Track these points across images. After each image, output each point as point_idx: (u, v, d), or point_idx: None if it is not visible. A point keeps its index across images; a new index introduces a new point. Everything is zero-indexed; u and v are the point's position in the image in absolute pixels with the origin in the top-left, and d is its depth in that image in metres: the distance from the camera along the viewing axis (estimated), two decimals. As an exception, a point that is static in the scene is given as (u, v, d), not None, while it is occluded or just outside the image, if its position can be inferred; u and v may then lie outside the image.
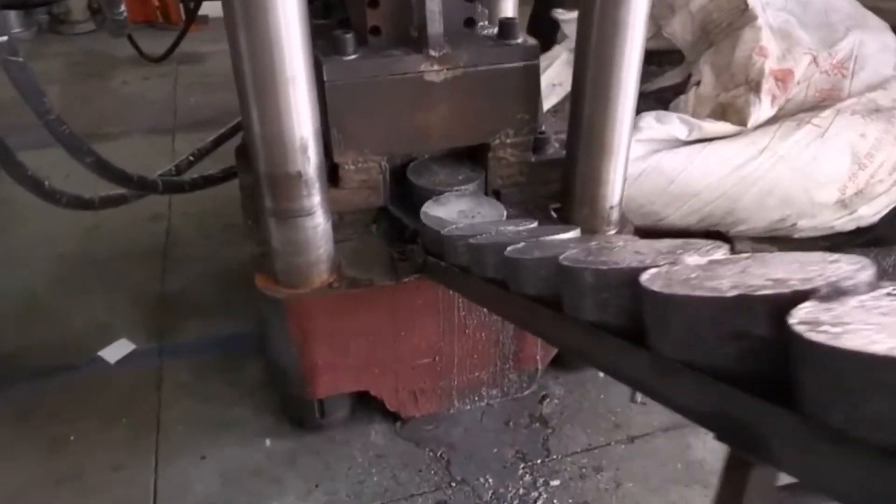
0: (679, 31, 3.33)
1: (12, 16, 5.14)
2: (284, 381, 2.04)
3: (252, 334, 2.46)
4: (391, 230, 2.05)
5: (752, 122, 2.84)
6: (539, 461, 2.00)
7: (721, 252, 0.95)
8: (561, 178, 2.13)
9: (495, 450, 2.04)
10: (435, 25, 1.83)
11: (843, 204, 2.91)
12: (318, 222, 1.79)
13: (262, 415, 2.17)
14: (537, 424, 2.12)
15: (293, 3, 1.48)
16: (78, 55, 5.19)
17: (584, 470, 1.97)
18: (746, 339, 0.68)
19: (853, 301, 0.61)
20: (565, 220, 2.13)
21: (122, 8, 3.83)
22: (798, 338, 0.55)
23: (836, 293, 0.62)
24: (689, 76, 3.38)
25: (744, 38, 2.97)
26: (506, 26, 1.95)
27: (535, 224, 1.62)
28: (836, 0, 3.27)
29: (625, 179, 2.06)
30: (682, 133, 2.82)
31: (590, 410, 2.16)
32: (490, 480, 1.95)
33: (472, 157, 2.15)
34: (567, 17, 3.49)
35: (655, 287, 0.78)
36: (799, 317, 0.59)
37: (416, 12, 1.85)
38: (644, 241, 1.11)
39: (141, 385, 2.29)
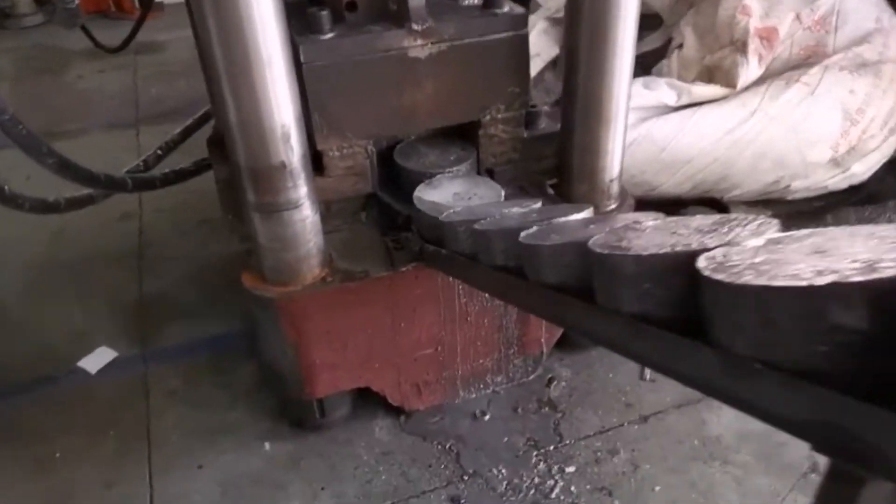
0: (657, -7, 3.25)
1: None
2: (281, 382, 1.94)
3: (240, 333, 2.35)
4: (382, 217, 1.94)
5: (741, 84, 2.76)
6: (552, 447, 1.93)
7: (773, 228, 0.86)
8: (556, 153, 2.04)
9: (506, 438, 1.96)
10: (416, -4, 1.72)
11: (835, 162, 2.86)
12: (305, 215, 1.68)
13: (259, 417, 2.06)
14: (546, 409, 2.05)
15: (266, -22, 1.36)
16: (28, 50, 4.95)
17: (598, 454, 1.91)
18: (842, 332, 0.59)
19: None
20: (564, 197, 2.04)
21: (74, -4, 3.63)
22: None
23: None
24: (670, 40, 3.30)
25: (727, -3, 2.88)
26: (491, -6, 1.84)
27: (539, 204, 1.53)
28: (816, -47, 3.19)
29: (624, 150, 1.97)
30: (671, 99, 2.74)
31: (599, 391, 2.09)
32: (503, 471, 1.87)
33: (462, 136, 2.04)
34: (542, -16, 3.38)
35: (721, 276, 0.69)
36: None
37: (395, -17, 1.73)
38: (675, 219, 1.02)
39: (127, 394, 2.18)
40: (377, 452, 1.94)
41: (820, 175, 2.88)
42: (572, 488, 1.82)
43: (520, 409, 2.05)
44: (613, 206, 2.05)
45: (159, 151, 2.76)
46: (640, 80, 2.76)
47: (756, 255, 0.76)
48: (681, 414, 2.00)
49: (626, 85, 1.83)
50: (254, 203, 1.65)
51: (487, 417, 2.04)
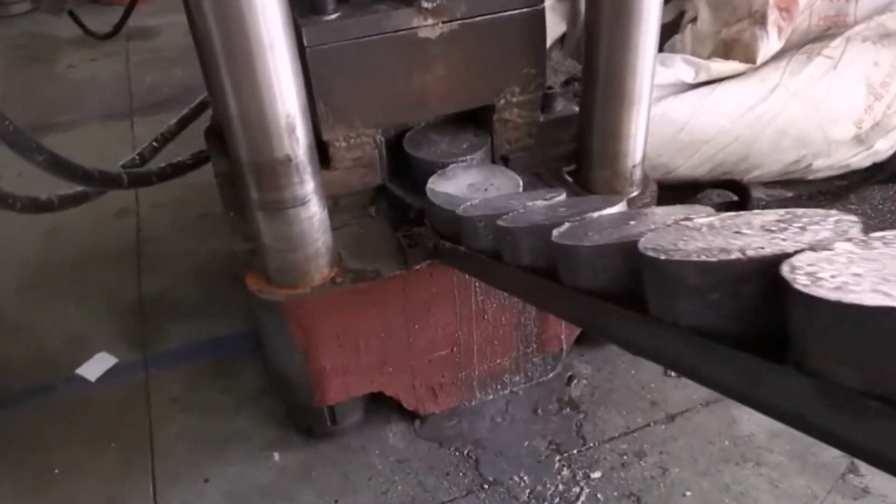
0: (669, -36, 3.10)
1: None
2: (289, 389, 1.84)
3: (244, 334, 2.25)
4: (393, 211, 1.83)
5: (760, 58, 2.64)
6: (575, 451, 1.83)
7: (855, 227, 0.76)
8: (576, 137, 1.92)
9: (526, 443, 1.86)
10: (426, -28, 1.59)
11: (859, 139, 2.74)
12: (313, 212, 1.57)
13: (267, 425, 1.96)
14: (568, 409, 1.95)
15: (265, -45, 1.23)
16: (16, 38, 4.79)
17: (625, 457, 1.81)
18: None
19: None
20: (583, 184, 1.93)
21: (61, -18, 3.49)
22: None
23: None
24: (682, 13, 3.16)
25: (744, -33, 2.75)
26: (504, -32, 1.71)
27: (563, 195, 1.42)
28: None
29: (647, 133, 1.85)
30: (688, 76, 2.62)
31: (622, 389, 1.99)
32: (525, 478, 1.78)
33: (475, 122, 1.92)
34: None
35: (821, 292, 0.58)
36: None
37: (402, -42, 1.61)
38: (733, 216, 0.91)
39: (128, 403, 2.08)
40: (392, 461, 1.84)
41: (843, 153, 2.76)
42: (598, 496, 1.72)
43: (540, 411, 1.95)
44: (636, 193, 1.93)
45: (155, 144, 2.63)
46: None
47: (851, 262, 0.65)
48: (709, 412, 1.90)
49: (651, 61, 1.71)
50: (257, 200, 1.53)
51: (507, 420, 1.94)
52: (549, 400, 1.98)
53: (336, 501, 1.76)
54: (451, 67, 1.73)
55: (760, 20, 2.69)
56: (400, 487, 1.78)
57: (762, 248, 0.73)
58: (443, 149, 1.85)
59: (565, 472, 1.78)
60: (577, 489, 1.74)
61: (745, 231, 0.82)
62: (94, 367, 2.17)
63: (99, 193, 2.50)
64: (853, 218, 0.78)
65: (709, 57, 2.73)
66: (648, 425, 1.89)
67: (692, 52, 2.82)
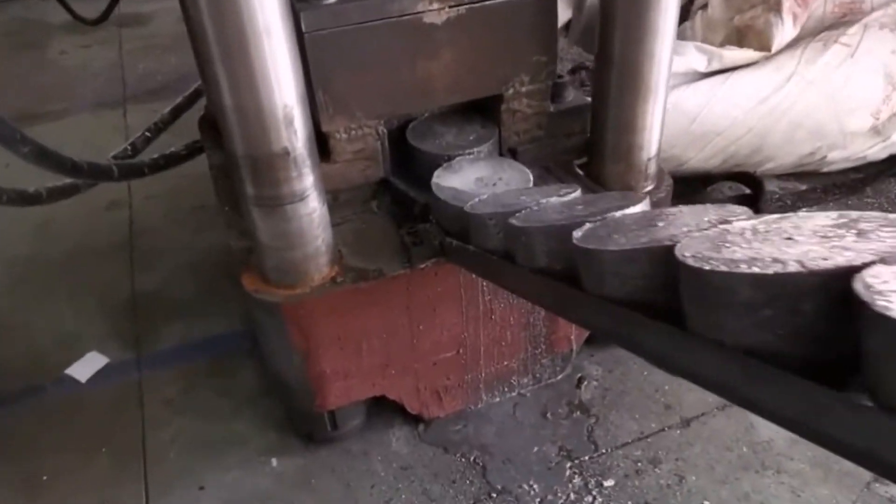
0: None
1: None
2: (288, 393, 1.76)
3: (241, 332, 2.16)
4: (396, 206, 1.74)
5: (775, 46, 2.54)
6: (587, 458, 1.76)
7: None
8: (589, 129, 1.83)
9: (535, 448, 1.79)
10: (432, -47, 1.50)
11: (875, 130, 2.66)
12: (312, 207, 1.48)
13: (265, 429, 1.88)
14: (578, 413, 1.87)
15: (261, -67, 1.14)
16: (6, 24, 4.68)
17: (639, 464, 1.73)
18: None
19: None
20: (595, 178, 1.84)
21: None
22: None
23: None
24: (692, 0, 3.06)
25: (758, -48, 2.65)
26: (514, -50, 1.62)
27: (578, 192, 1.33)
28: None
29: (663, 124, 1.76)
30: (700, 64, 2.52)
31: (635, 391, 1.91)
32: (535, 487, 1.70)
33: (482, 112, 1.83)
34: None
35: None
36: None
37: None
38: (779, 219, 0.82)
39: (120, 405, 1.99)
40: (395, 467, 1.77)
41: (859, 144, 2.68)
42: (613, 504, 1.65)
43: (549, 414, 1.87)
44: (650, 188, 1.85)
45: (148, 134, 2.54)
46: (668, 45, 2.54)
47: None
48: (726, 416, 1.83)
49: (669, 47, 1.62)
50: (253, 196, 1.45)
51: (514, 424, 1.86)
52: (559, 403, 1.90)
53: (337, 511, 1.69)
54: (458, 55, 1.64)
55: (775, 6, 2.59)
56: (403, 496, 1.70)
57: (823, 258, 0.65)
58: (448, 141, 1.76)
59: (577, 479, 1.71)
60: (589, 498, 1.66)
61: (796, 237, 0.73)
62: (85, 368, 2.09)
63: (89, 185, 2.41)
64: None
65: (721, 45, 2.63)
66: (663, 430, 1.81)
67: (703, 40, 2.73)
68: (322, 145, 1.66)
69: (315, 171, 1.46)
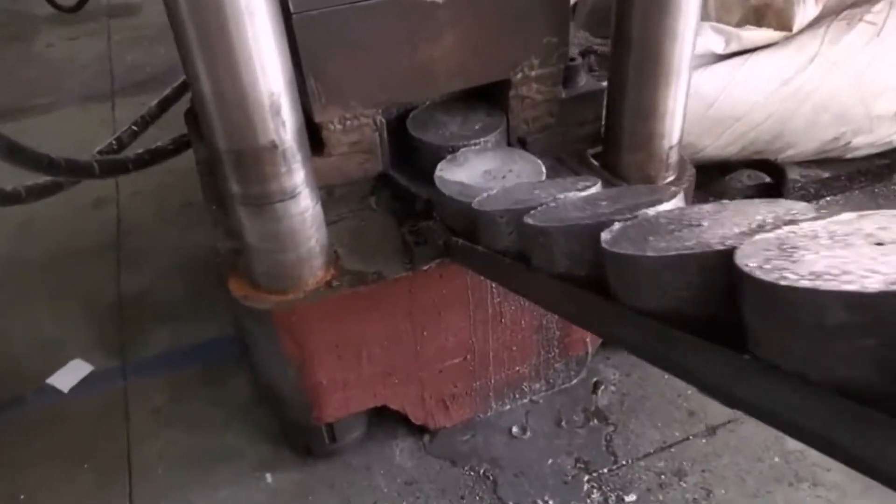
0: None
1: None
2: (282, 405, 1.63)
3: (233, 337, 2.04)
4: (396, 203, 1.61)
5: (797, 26, 2.40)
6: (606, 470, 1.63)
7: None
8: (605, 116, 1.69)
9: (550, 460, 1.66)
10: (434, -77, 1.36)
11: (902, 114, 2.51)
12: (304, 206, 1.35)
13: (259, 441, 1.76)
14: (595, 421, 1.74)
15: None
16: (-7, 17, 4.53)
17: (662, 477, 1.61)
18: None
19: None
20: (611, 169, 1.71)
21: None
22: None
23: None
24: (705, -21, 2.91)
25: (777, -75, 2.49)
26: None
27: (598, 185, 1.20)
28: None
29: (685, 110, 1.62)
30: (717, 45, 2.38)
31: (655, 396, 1.79)
32: (550, 502, 1.57)
33: (488, 99, 1.70)
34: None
35: None
36: None
37: None
38: (852, 217, 0.69)
39: (104, 416, 1.87)
40: (399, 482, 1.64)
41: (885, 129, 2.54)
42: (636, 522, 1.52)
43: (564, 423, 1.75)
44: (672, 179, 1.71)
45: (134, 127, 2.42)
46: (683, 25, 2.39)
47: None
48: (755, 423, 1.67)
49: (693, 25, 1.48)
50: (239, 194, 1.31)
51: (527, 434, 1.73)
52: (574, 410, 1.78)
53: (337, 531, 1.56)
54: (462, 36, 1.50)
55: (795, -17, 2.45)
56: (408, 514, 1.58)
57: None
58: (452, 131, 1.63)
59: (595, 494, 1.58)
60: (609, 515, 1.54)
61: (888, 242, 0.60)
62: (68, 377, 1.96)
63: (73, 183, 2.29)
64: None
65: (737, 25, 2.49)
66: (687, 439, 1.68)
67: (717, 21, 2.58)
68: (314, 137, 1.53)
69: (306, 166, 1.33)
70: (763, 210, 0.83)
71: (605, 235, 0.88)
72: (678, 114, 1.60)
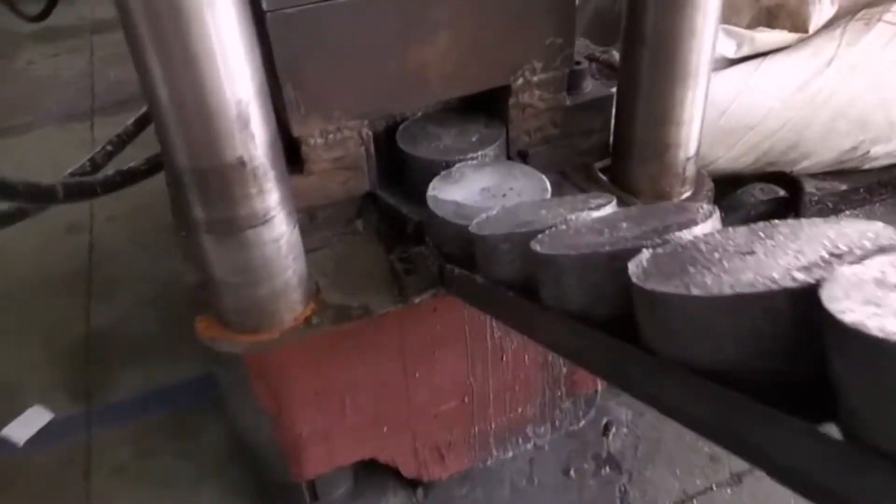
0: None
1: None
2: (258, 461, 1.45)
3: (208, 379, 1.85)
4: (385, 227, 1.44)
5: (813, 27, 2.25)
6: (624, 525, 1.45)
7: None
8: (614, 124, 1.53)
9: (560, 515, 1.48)
10: None
11: (925, 120, 2.36)
12: (279, 232, 1.18)
13: (234, 501, 1.57)
14: (607, 469, 1.56)
15: None
16: (-31, 35, 4.39)
17: (688, 532, 1.42)
18: None
19: None
20: (621, 184, 1.54)
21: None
22: None
23: None
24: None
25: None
26: None
27: (612, 202, 1.03)
28: None
29: (704, 116, 1.46)
30: (728, 49, 2.23)
31: (672, 439, 1.61)
32: (563, 565, 1.39)
33: (485, 109, 1.54)
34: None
35: None
36: None
37: None
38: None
39: (62, 473, 1.68)
40: (393, 543, 1.46)
41: (907, 137, 2.38)
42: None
43: (573, 471, 1.57)
44: (688, 194, 1.55)
45: (109, 147, 2.27)
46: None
47: None
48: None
49: (713, 23, 1.33)
50: (203, 221, 1.14)
51: (532, 485, 1.55)
52: (584, 456, 1.59)
53: None
54: (457, 38, 1.35)
55: (809, -18, 2.30)
56: (403, 580, 1.39)
57: None
58: (447, 144, 1.46)
59: (613, 554, 1.40)
60: (630, 578, 1.35)
61: None
62: (24, 427, 1.77)
63: (38, 209, 2.14)
64: None
65: (747, 28, 2.34)
66: (710, 489, 1.50)
67: (725, 24, 2.44)
68: (293, 153, 1.37)
69: (282, 186, 1.16)
70: (830, 233, 0.66)
71: (632, 267, 0.71)
72: (696, 121, 1.44)
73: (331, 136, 1.37)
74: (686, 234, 0.77)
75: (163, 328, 2.02)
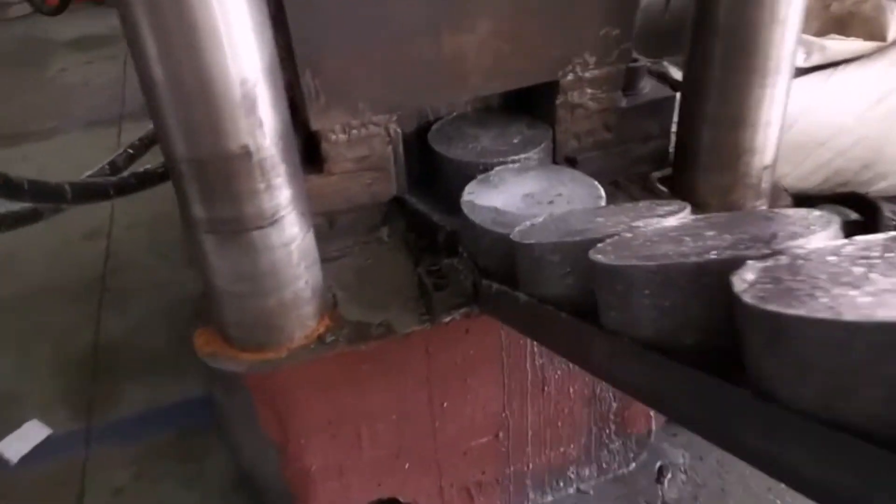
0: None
1: None
2: (263, 496, 1.28)
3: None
4: (413, 235, 1.27)
5: (891, 35, 2.05)
6: (682, 591, 1.24)
7: None
8: (677, 128, 1.35)
9: (608, 574, 1.28)
10: None
11: None
12: (290, 235, 1.02)
13: (238, 533, 1.41)
14: (665, 520, 1.36)
15: None
16: (7, 43, 4.39)
17: None
18: None
19: None
20: (684, 196, 1.34)
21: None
22: None
23: None
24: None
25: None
26: None
27: (686, 209, 0.85)
28: None
29: (785, 120, 1.28)
30: (798, 58, 2.02)
31: (738, 488, 1.40)
32: None
33: (529, 108, 1.37)
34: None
35: None
36: None
37: None
38: None
39: (54, 494, 1.54)
40: None
41: None
42: None
43: (624, 522, 1.37)
44: (764, 208, 1.35)
45: (130, 150, 2.17)
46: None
47: None
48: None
49: (799, 10, 1.14)
50: (203, 219, 1.00)
51: (576, 536, 1.35)
52: None
53: None
54: (499, 24, 1.20)
55: (887, -11, 2.10)
56: None
57: None
58: (484, 145, 1.30)
59: None
60: None
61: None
62: (20, 443, 1.64)
63: (53, 211, 2.03)
64: None
65: (816, 37, 2.14)
66: (784, 547, 1.29)
67: (792, 34, 2.25)
68: (312, 149, 1.23)
69: (294, 183, 1.01)
70: None
71: (738, 283, 0.53)
72: (775, 124, 1.26)
73: (354, 131, 1.22)
74: (808, 244, 0.59)
75: (172, 341, 1.89)
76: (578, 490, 1.43)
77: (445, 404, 1.21)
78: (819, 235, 0.62)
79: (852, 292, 0.46)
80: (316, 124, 1.18)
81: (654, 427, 1.44)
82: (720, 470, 1.45)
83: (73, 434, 1.67)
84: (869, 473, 0.42)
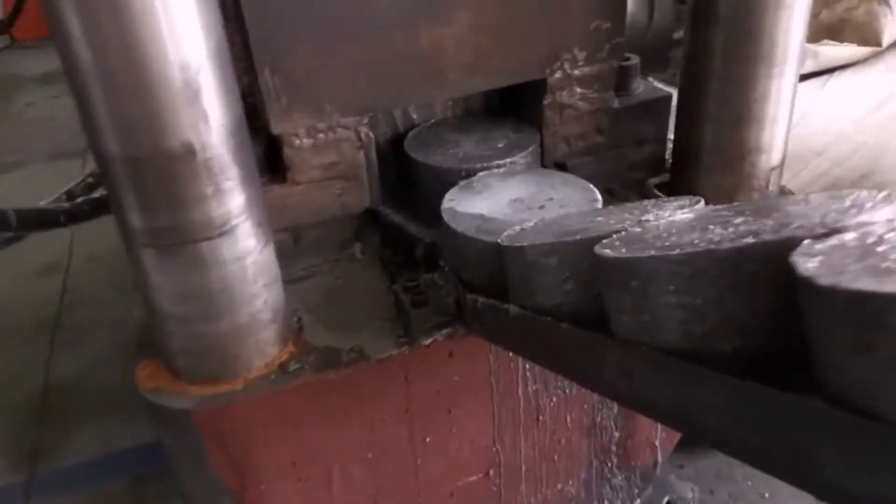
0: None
1: None
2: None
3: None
4: (388, 250, 1.14)
5: (887, 39, 1.98)
6: None
7: None
8: (675, 128, 1.25)
9: None
10: None
11: None
12: (244, 248, 0.89)
13: None
14: (675, 562, 1.21)
15: None
16: (-27, 78, 4.30)
17: None
18: None
19: None
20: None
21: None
22: None
23: None
24: None
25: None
26: None
27: (700, 202, 0.74)
28: None
29: (792, 117, 1.17)
30: (790, 65, 1.95)
31: (755, 523, 1.26)
32: None
33: (515, 111, 1.26)
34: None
35: None
36: None
37: None
38: None
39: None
40: None
41: None
42: None
43: (632, 565, 1.22)
44: (770, 214, 1.24)
45: (90, 179, 2.04)
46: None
47: None
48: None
49: (806, 3, 1.04)
50: (140, 229, 0.86)
51: (580, 584, 1.20)
52: (644, 546, 1.25)
53: None
54: (481, 16, 1.08)
55: (879, -6, 2.05)
56: None
57: None
58: (466, 151, 1.19)
59: None
60: None
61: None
62: (-49, 497, 1.47)
63: (7, 242, 1.91)
64: None
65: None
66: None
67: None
68: (273, 155, 1.09)
69: (249, 188, 0.88)
70: None
71: (803, 264, 0.40)
72: (782, 121, 1.15)
73: (321, 135, 1.10)
74: (866, 220, 0.47)
75: (128, 381, 1.72)
76: (580, 532, 1.29)
77: (428, 439, 1.07)
78: (885, 209, 0.50)
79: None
80: (277, 127, 1.06)
81: (660, 458, 1.30)
82: (731, 503, 1.31)
83: (11, 487, 1.50)
84: None
